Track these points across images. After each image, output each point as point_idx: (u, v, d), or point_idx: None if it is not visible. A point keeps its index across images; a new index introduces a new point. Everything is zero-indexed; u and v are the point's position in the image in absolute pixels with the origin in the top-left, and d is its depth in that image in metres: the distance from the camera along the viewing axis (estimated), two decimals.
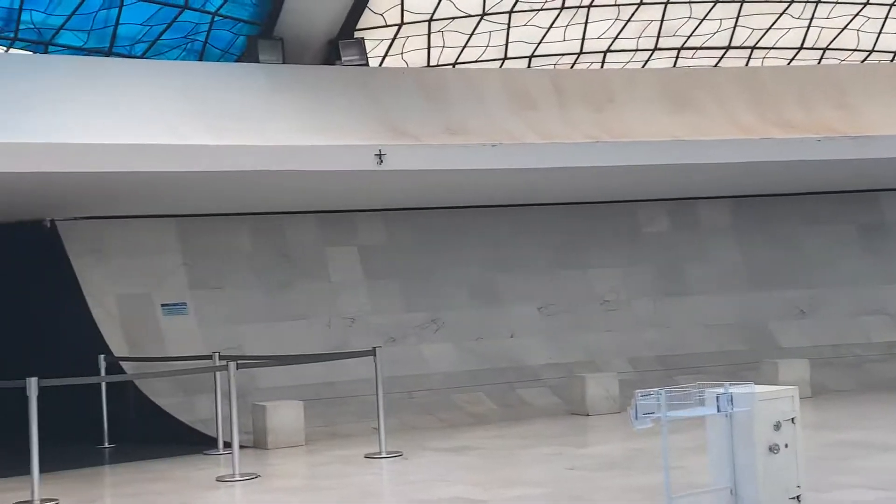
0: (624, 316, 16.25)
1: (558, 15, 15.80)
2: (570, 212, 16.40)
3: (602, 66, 16.55)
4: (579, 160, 13.74)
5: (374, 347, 12.18)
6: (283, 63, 13.75)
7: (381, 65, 15.23)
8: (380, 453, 11.63)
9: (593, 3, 15.82)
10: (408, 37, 15.33)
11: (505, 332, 15.63)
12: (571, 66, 16.45)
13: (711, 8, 16.12)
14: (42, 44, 13.95)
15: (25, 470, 9.77)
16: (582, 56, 16.49)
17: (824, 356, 16.16)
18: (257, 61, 13.63)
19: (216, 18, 14.18)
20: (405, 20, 15.06)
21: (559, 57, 16.39)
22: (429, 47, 15.57)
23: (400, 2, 14.77)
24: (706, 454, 7.92)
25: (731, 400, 7.57)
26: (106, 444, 13.06)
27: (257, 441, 12.56)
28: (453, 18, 15.34)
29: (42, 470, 9.81)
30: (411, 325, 15.22)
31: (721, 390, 7.64)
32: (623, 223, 16.75)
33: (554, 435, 12.84)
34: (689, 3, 16.03)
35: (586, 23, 16.05)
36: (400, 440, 12.20)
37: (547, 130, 14.02)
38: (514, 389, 14.94)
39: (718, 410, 7.59)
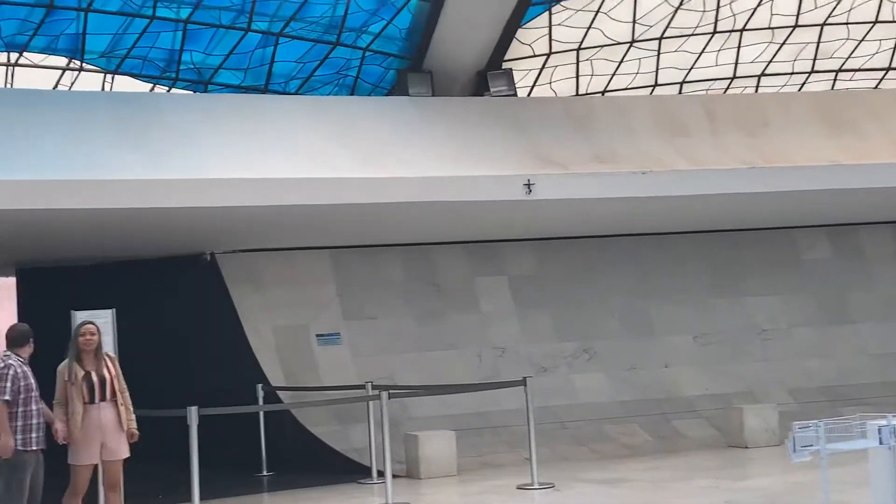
0: (783, 345, 15.81)
1: (710, 39, 15.62)
2: (725, 239, 16.08)
3: (756, 91, 16.26)
4: (733, 186, 13.50)
5: (525, 377, 12.14)
6: (433, 95, 13.93)
7: (529, 95, 15.28)
8: (531, 484, 11.56)
9: (746, 27, 15.57)
10: (556, 66, 15.35)
11: (658, 362, 15.39)
12: (724, 91, 16.21)
13: (870, 28, 15.68)
14: (202, 83, 14.47)
15: (186, 496, 10.04)
16: (735, 80, 16.23)
17: None
18: (407, 94, 13.83)
19: (367, 54, 14.47)
20: (553, 50, 15.09)
21: (711, 82, 16.18)
22: (577, 76, 15.55)
23: (548, 32, 14.81)
24: (869, 488, 7.63)
25: (894, 432, 7.28)
26: (264, 472, 13.33)
27: (410, 470, 12.64)
28: (602, 46, 15.30)
29: (202, 497, 10.07)
30: (562, 355, 15.13)
31: (884, 422, 7.36)
32: (781, 250, 16.33)
33: (710, 468, 12.55)
34: (847, 24, 15.63)
35: (739, 47, 15.81)
36: (552, 471, 12.11)
37: (699, 157, 13.82)
38: (669, 421, 14.68)
39: (881, 443, 7.31)
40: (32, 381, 8.56)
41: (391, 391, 11.92)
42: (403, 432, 12.92)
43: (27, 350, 8.70)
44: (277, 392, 13.59)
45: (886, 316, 16.14)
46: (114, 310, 11.16)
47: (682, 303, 15.77)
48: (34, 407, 8.49)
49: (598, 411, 14.64)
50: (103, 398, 8.85)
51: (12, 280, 17.38)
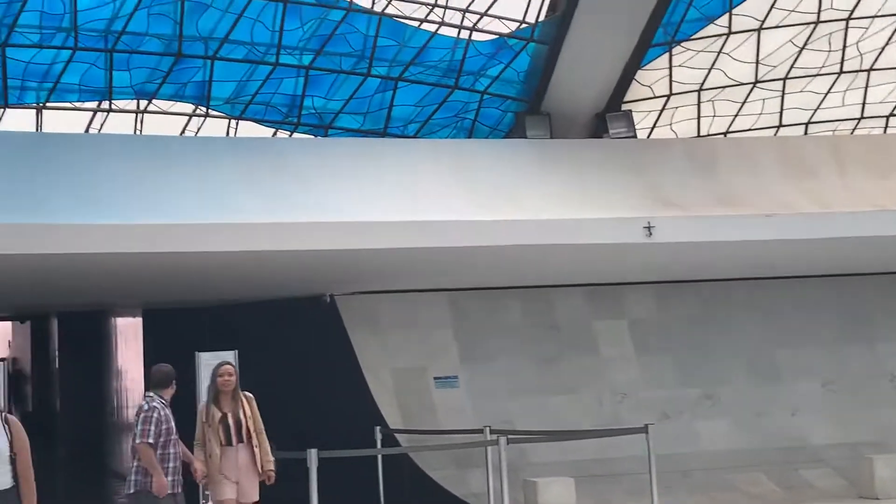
0: None
1: (836, 79, 15.28)
2: (855, 282, 15.60)
3: (885, 131, 15.82)
4: (863, 229, 13.10)
5: (647, 424, 11.90)
6: (551, 138, 13.88)
7: (649, 136, 15.13)
8: None
9: (874, 67, 15.20)
10: (676, 107, 15.18)
11: (785, 409, 14.95)
12: (851, 132, 15.81)
13: None
14: (322, 127, 14.68)
15: None
16: (862, 121, 15.83)
17: None
18: (525, 137, 13.82)
19: (485, 97, 14.52)
20: (674, 91, 14.93)
21: (838, 123, 15.81)
22: (698, 117, 15.36)
23: (668, 73, 14.66)
24: None
25: None
26: None
27: None
28: (724, 87, 15.09)
29: None
30: (685, 401, 14.81)
31: None
32: None
33: None
34: None
35: (867, 87, 15.43)
36: None
37: (826, 199, 13.46)
38: (796, 470, 14.22)
39: None
40: (173, 424, 8.69)
41: (510, 436, 11.80)
42: (522, 478, 12.77)
43: (170, 391, 8.82)
44: (395, 435, 13.58)
45: None
46: (236, 351, 11.31)
47: (810, 348, 15.32)
48: (172, 450, 8.59)
49: (721, 459, 14.26)
50: (240, 440, 8.97)
51: (139, 320, 17.77)
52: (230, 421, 8.97)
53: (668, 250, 12.82)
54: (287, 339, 14.85)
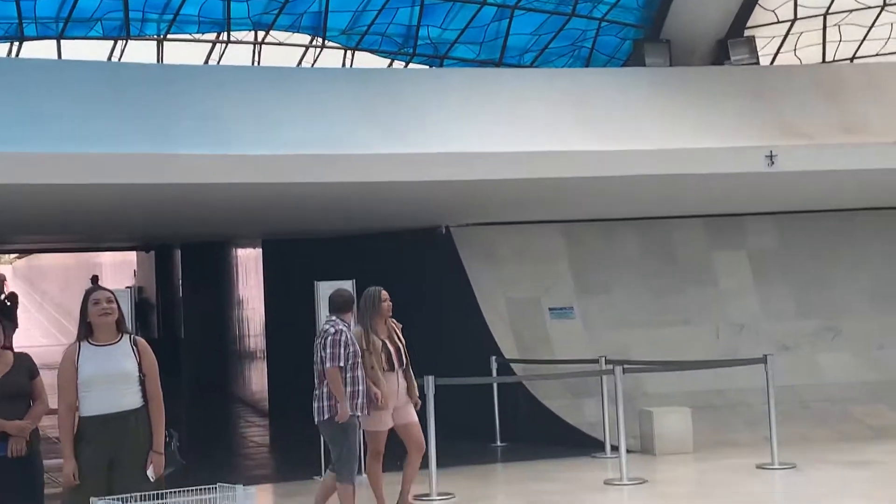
0: None
1: None
2: None
3: None
4: None
5: (766, 355, 11.77)
6: (670, 65, 13.64)
7: (772, 63, 14.77)
8: (771, 464, 11.21)
9: None
10: (801, 32, 14.77)
11: None
12: None
13: None
14: (438, 57, 14.66)
15: (423, 463, 10.22)
16: None
17: None
18: (643, 65, 13.60)
19: (602, 24, 14.31)
20: (798, 15, 14.53)
21: None
22: (824, 42, 14.93)
23: None
24: None
25: None
26: (497, 443, 13.45)
27: (644, 446, 12.47)
28: (851, 11, 14.62)
29: (439, 465, 10.25)
30: (805, 333, 14.58)
31: None
32: None
33: None
34: None
35: None
36: (792, 451, 11.69)
37: None
38: None
39: None
40: (358, 347, 8.83)
41: (626, 366, 11.79)
42: (638, 408, 12.76)
43: (350, 316, 8.97)
44: (511, 364, 13.67)
45: None
46: (354, 280, 11.47)
47: None
48: (359, 373, 8.75)
49: (842, 391, 14.04)
50: (401, 365, 9.13)
51: (259, 251, 18.12)
52: (390, 347, 9.11)
53: (790, 180, 12.55)
54: (403, 269, 14.99)
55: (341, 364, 8.57)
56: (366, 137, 11.65)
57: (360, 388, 8.68)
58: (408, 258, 14.86)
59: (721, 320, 14.60)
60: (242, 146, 11.03)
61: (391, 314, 9.27)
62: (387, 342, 9.11)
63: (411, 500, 9.42)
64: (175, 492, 5.61)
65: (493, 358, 13.54)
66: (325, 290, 11.87)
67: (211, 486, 5.56)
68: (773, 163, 12.16)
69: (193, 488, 5.55)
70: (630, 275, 14.69)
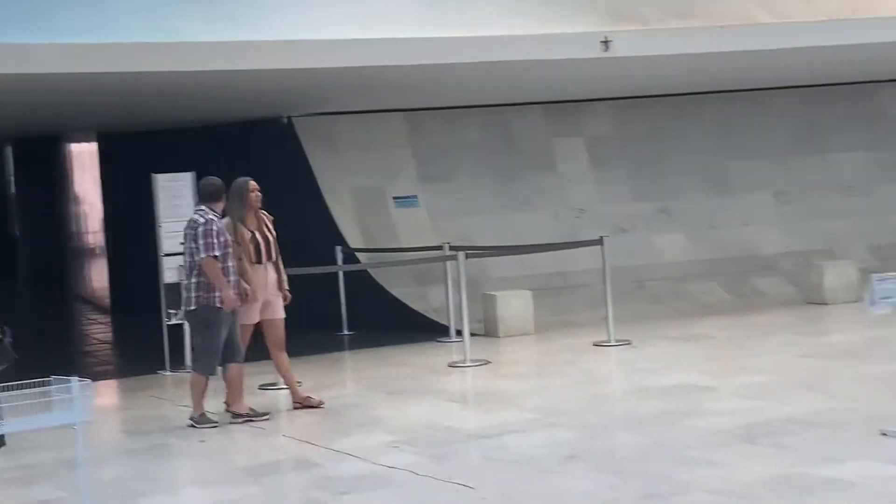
0: (865, 202, 15.56)
1: None
2: (808, 95, 15.71)
3: None
4: (817, 40, 13.08)
5: (602, 237, 12.13)
6: None
7: None
8: (608, 341, 11.66)
9: None
10: None
11: (738, 221, 15.26)
12: None
13: None
14: None
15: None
16: None
17: None
18: None
19: None
20: None
21: None
22: None
23: None
24: None
25: None
26: (345, 332, 13.60)
27: (488, 329, 12.80)
28: None
29: (288, 353, 10.30)
30: (640, 215, 15.06)
31: None
32: (865, 105, 15.95)
33: (788, 324, 12.54)
34: None
35: None
36: (629, 329, 12.18)
37: (782, 10, 13.38)
38: (748, 279, 14.61)
39: None
40: (229, 236, 8.68)
41: (468, 251, 12.01)
42: (481, 292, 13.04)
43: (221, 205, 8.78)
44: (356, 254, 13.75)
45: None
46: (193, 173, 11.31)
47: (763, 160, 15.54)
48: (231, 263, 8.63)
49: (676, 270, 14.61)
50: (269, 258, 9.03)
51: (94, 145, 17.66)
52: (259, 239, 9.01)
53: (624, 64, 12.80)
54: (245, 161, 14.80)
55: (216, 253, 8.48)
56: (201, 25, 11.37)
57: (231, 279, 8.62)
58: (249, 149, 14.69)
59: (560, 205, 14.94)
60: (71, 34, 10.64)
61: (261, 205, 9.18)
62: (256, 234, 9.04)
63: (301, 394, 9.35)
64: (8, 386, 5.54)
65: (339, 248, 13.59)
66: (163, 182, 11.71)
67: (45, 379, 5.50)
68: (607, 48, 12.35)
69: (26, 382, 5.49)
70: (472, 162, 14.86)
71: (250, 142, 14.71)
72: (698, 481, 6.48)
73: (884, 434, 7.17)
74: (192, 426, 8.67)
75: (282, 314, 9.19)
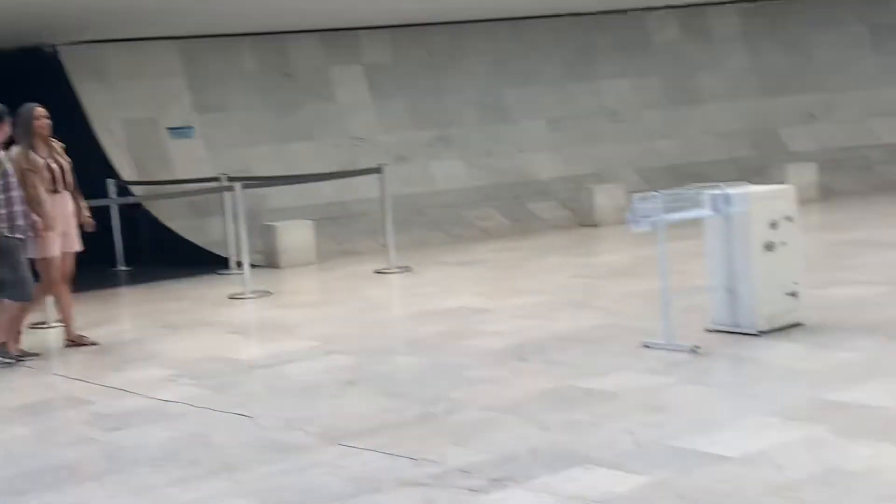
0: (633, 127, 16.16)
1: None
2: (578, 23, 16.13)
3: None
4: None
5: (381, 165, 12.21)
6: None
7: None
8: (389, 268, 11.79)
9: None
10: None
11: (514, 148, 15.61)
12: None
13: None
14: None
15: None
16: None
17: (834, 159, 16.11)
18: None
19: None
20: None
21: None
22: None
23: None
24: (705, 257, 7.97)
25: (728, 200, 7.59)
26: (120, 267, 13.27)
27: (269, 261, 12.74)
28: None
29: None
30: (419, 143, 15.20)
31: (717, 191, 7.65)
32: (632, 33, 16.49)
33: (562, 246, 12.98)
34: None
35: None
36: (409, 255, 12.35)
37: None
38: (524, 204, 15.00)
39: (715, 211, 7.62)
40: (12, 166, 8.22)
41: (245, 182, 11.88)
42: (261, 223, 12.94)
43: (4, 132, 8.30)
44: (130, 187, 13.39)
45: (731, 95, 16.58)
46: None
47: (537, 88, 15.90)
48: (14, 193, 8.18)
49: (455, 197, 14.86)
50: (67, 187, 8.66)
51: None
52: (54, 166, 8.62)
53: None
54: (9, 92, 14.14)
55: None
56: None
57: (18, 209, 8.25)
58: (13, 80, 13.99)
59: (340, 134, 14.91)
60: None
61: (51, 133, 8.78)
62: (49, 161, 8.67)
63: (75, 332, 9.06)
64: None
65: (111, 181, 13.20)
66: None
67: None
68: None
69: None
70: (249, 91, 14.64)
71: (14, 71, 14.03)
72: (473, 399, 6.67)
73: (646, 346, 7.54)
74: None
75: (77, 247, 8.93)
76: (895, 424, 5.58)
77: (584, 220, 14.38)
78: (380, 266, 11.90)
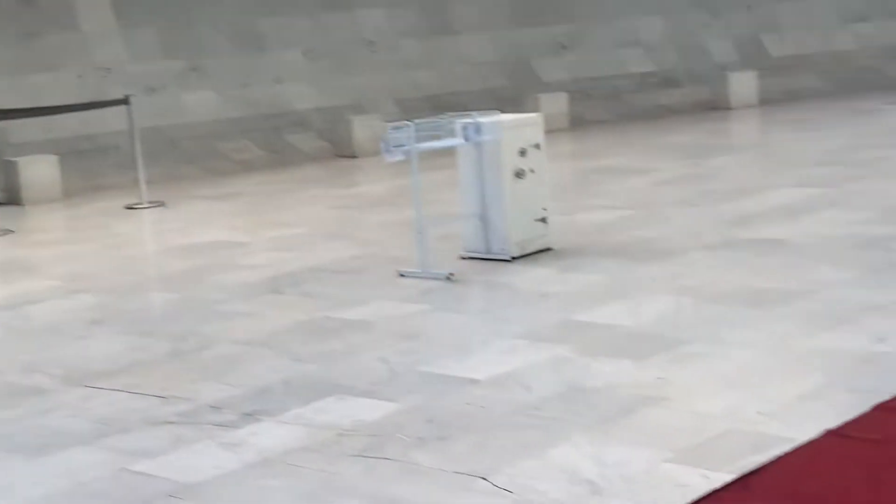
0: (391, 57, 16.12)
1: None
2: None
3: None
4: None
5: (128, 96, 11.74)
6: None
7: None
8: (141, 203, 11.41)
9: None
10: None
11: (270, 78, 15.30)
12: None
13: None
14: None
15: None
16: None
17: (584, 89, 16.58)
18: None
19: None
20: None
21: None
22: None
23: None
24: (458, 186, 8.06)
25: (478, 129, 7.66)
26: None
27: (11, 198, 12.11)
28: None
29: None
30: (170, 74, 14.69)
31: (469, 120, 7.72)
32: None
33: (320, 178, 12.88)
34: None
35: None
36: (163, 190, 11.98)
37: None
38: (281, 136, 14.77)
39: (466, 140, 7.69)
40: None
41: None
42: (3, 159, 12.26)
43: None
44: None
45: (486, 25, 16.75)
46: None
47: (293, 17, 15.59)
48: None
49: (209, 129, 14.46)
50: None
51: None
52: None
53: None
54: None
55: None
56: None
57: None
58: None
59: (85, 64, 14.23)
60: None
61: None
62: None
63: None
64: None
65: None
66: None
67: None
68: None
69: None
70: None
71: None
72: (226, 333, 6.55)
73: (402, 276, 7.58)
74: None
75: None
76: (634, 342, 5.81)
77: (342, 151, 14.30)
78: (131, 201, 11.50)
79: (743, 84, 16.97)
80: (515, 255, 7.76)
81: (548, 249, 7.93)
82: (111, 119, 12.84)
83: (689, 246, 7.87)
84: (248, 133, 14.60)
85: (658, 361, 5.44)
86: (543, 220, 7.94)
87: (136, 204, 11.41)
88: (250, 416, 5.10)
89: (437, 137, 7.79)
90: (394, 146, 7.51)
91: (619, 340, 5.85)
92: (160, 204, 11.44)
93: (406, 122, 7.63)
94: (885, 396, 4.74)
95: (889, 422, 4.50)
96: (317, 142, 14.79)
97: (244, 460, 4.61)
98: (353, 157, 14.10)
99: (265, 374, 5.73)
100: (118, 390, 5.57)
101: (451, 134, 7.77)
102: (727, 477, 4.07)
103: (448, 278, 7.39)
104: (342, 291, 7.38)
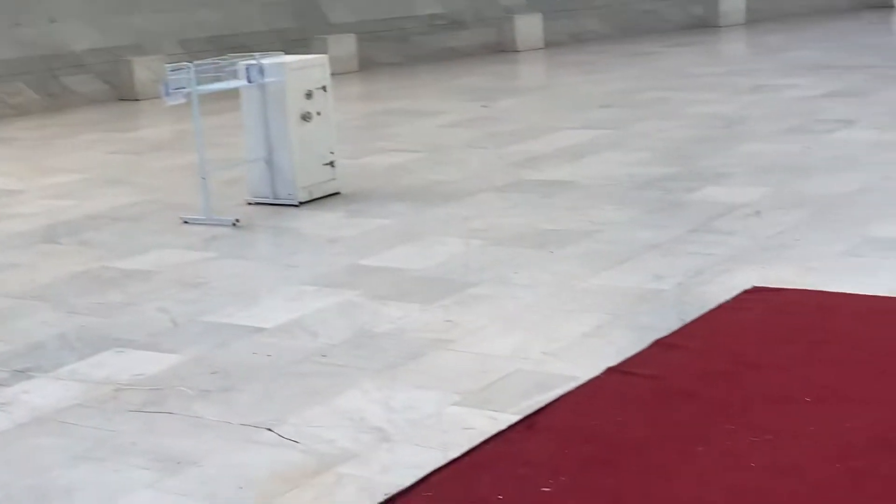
0: None
1: None
2: None
3: None
4: None
5: None
6: None
7: None
8: None
9: None
10: None
11: (44, 17, 14.52)
12: None
13: None
14: None
15: None
16: None
17: (372, 30, 16.43)
18: None
19: None
20: None
21: None
22: None
23: None
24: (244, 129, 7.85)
25: (262, 71, 7.46)
26: None
27: None
28: None
29: None
30: None
31: (252, 62, 7.50)
32: None
33: (99, 122, 12.37)
34: None
35: None
36: None
37: None
38: (57, 77, 14.07)
39: (249, 82, 7.48)
40: None
41: None
42: None
43: None
44: None
45: None
46: None
47: None
48: None
49: None
50: None
51: None
52: None
53: None
54: None
55: None
56: None
57: None
58: None
59: None
60: None
61: None
62: None
63: None
64: None
65: None
66: None
67: None
68: None
69: None
70: None
71: None
72: None
73: (186, 222, 7.35)
74: None
75: None
76: (423, 285, 5.79)
77: (123, 93, 13.76)
78: None
79: (529, 27, 17.19)
80: (303, 199, 7.63)
81: (336, 194, 7.83)
82: None
83: (477, 188, 7.91)
84: (21, 76, 13.84)
85: (446, 304, 5.44)
86: (331, 163, 7.82)
87: None
88: (22, 374, 4.85)
89: (220, 79, 7.56)
90: (174, 88, 7.23)
91: (408, 284, 5.83)
92: None
93: (186, 63, 7.36)
94: (662, 333, 4.87)
95: (666, 358, 4.64)
96: (96, 84, 14.17)
97: (15, 419, 4.38)
98: (135, 100, 13.59)
99: (38, 328, 5.45)
100: None
101: (234, 76, 7.55)
102: (513, 418, 4.10)
103: (234, 225, 7.21)
104: (122, 240, 7.10)
